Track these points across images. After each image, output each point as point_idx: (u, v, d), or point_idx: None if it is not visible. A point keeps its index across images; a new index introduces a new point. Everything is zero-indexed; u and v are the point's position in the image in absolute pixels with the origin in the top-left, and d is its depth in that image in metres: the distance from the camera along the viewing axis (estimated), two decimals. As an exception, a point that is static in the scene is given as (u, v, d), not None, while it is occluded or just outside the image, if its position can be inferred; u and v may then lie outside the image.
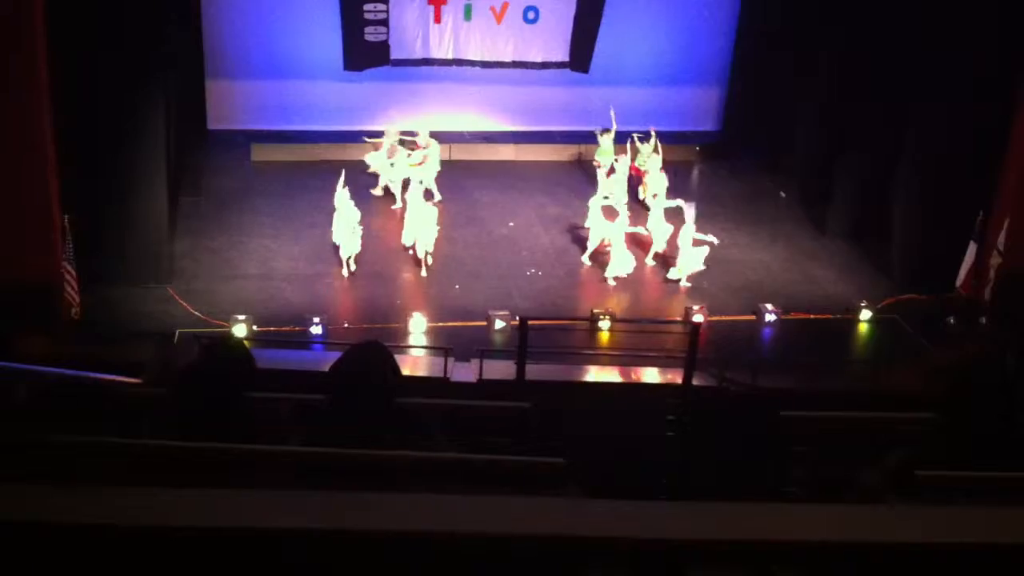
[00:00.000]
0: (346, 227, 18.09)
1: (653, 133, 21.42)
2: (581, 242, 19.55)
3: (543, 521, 2.72)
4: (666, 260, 18.88)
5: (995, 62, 17.43)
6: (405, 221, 18.80)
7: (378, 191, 20.76)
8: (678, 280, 18.55)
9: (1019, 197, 17.23)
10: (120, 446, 4.87)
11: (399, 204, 20.25)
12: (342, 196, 18.44)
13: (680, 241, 18.46)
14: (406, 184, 20.09)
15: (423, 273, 18.35)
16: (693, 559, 2.85)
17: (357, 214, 18.20)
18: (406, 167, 20.53)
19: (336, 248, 18.34)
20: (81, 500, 2.76)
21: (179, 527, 2.67)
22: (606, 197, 19.69)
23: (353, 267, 18.17)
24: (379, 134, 21.32)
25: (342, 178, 18.72)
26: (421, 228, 18.31)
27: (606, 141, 21.40)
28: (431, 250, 18.39)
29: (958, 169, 18.26)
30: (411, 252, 18.63)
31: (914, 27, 18.46)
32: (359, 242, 18.16)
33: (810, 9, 21.15)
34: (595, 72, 23.67)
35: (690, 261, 18.43)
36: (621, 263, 18.44)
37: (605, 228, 18.70)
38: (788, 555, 2.81)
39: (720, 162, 23.72)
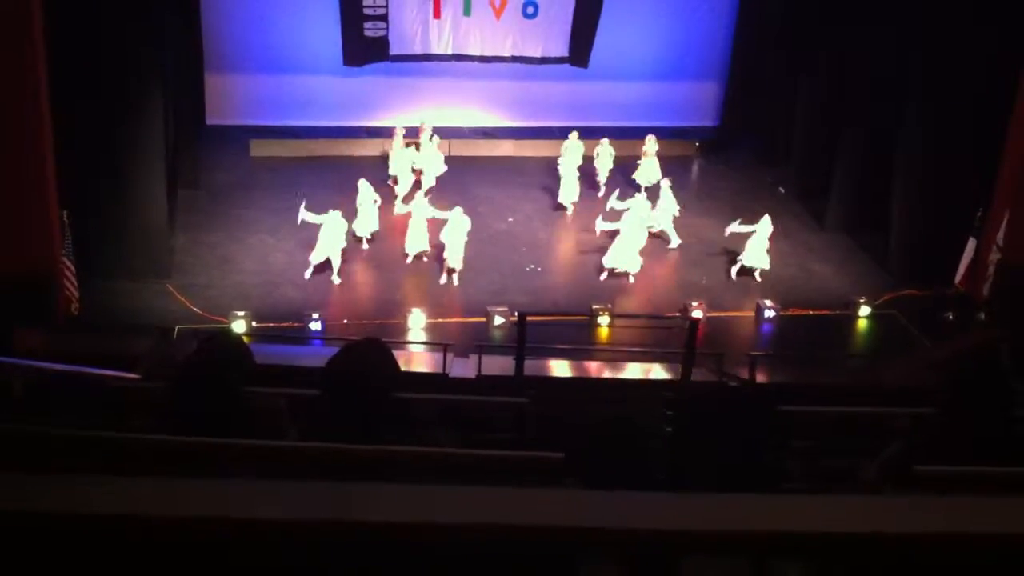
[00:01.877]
0: (342, 233, 18.04)
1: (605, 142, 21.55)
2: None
3: (538, 512, 2.71)
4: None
5: (993, 58, 17.42)
6: (409, 229, 18.57)
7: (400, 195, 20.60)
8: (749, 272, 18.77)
9: (1017, 193, 17.22)
10: (117, 441, 4.87)
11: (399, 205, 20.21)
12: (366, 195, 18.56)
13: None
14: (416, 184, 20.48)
15: (443, 281, 18.26)
16: (689, 550, 2.85)
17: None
18: (435, 159, 20.70)
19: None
20: (76, 490, 2.76)
21: (174, 517, 2.67)
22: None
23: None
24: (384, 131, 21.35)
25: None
26: (450, 238, 18.11)
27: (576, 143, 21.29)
28: (459, 265, 18.21)
29: (957, 165, 18.27)
30: (419, 258, 18.60)
31: (913, 23, 18.45)
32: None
33: (808, 5, 21.14)
34: (594, 67, 23.66)
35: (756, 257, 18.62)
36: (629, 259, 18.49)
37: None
38: (784, 546, 2.81)
39: (719, 157, 23.75)
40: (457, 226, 18.06)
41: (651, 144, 21.45)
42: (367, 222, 18.76)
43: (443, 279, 18.24)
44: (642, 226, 18.57)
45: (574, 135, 21.16)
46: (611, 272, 18.49)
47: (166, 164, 17.90)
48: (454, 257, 18.12)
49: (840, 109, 20.39)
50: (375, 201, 18.78)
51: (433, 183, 20.76)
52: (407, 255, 18.57)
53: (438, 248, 18.43)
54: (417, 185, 20.67)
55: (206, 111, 22.95)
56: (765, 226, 18.54)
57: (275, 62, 22.86)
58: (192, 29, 21.49)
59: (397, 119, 22.08)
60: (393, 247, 18.92)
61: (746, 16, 23.52)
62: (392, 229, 19.26)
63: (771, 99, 22.84)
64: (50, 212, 15.29)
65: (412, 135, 21.42)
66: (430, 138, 21.13)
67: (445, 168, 20.99)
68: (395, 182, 20.66)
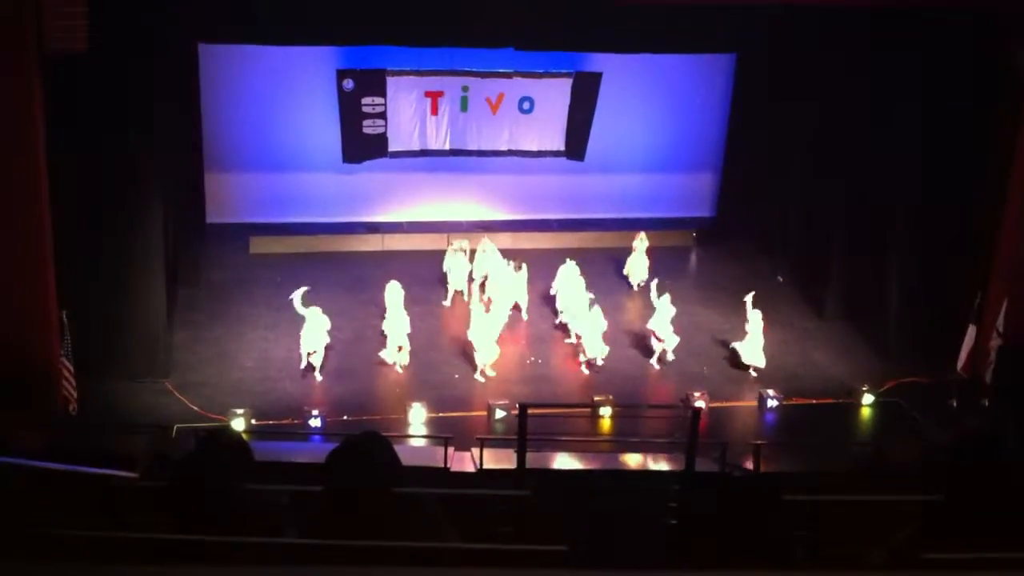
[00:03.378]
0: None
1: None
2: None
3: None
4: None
5: (986, 145, 17.62)
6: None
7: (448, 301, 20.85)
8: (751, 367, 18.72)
9: (1015, 279, 17.29)
10: (116, 540, 4.81)
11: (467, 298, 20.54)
12: (396, 300, 18.45)
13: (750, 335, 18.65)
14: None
15: (480, 378, 18.19)
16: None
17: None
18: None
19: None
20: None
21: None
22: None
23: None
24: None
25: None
26: (482, 339, 18.13)
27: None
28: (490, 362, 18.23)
29: (953, 251, 18.36)
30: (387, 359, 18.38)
31: (908, 110, 18.65)
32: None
33: (798, 97, 21.37)
34: (591, 160, 23.90)
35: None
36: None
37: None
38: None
39: (717, 246, 23.84)
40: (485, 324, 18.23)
41: (641, 242, 21.64)
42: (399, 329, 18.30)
43: (478, 376, 18.21)
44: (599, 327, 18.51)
45: (524, 268, 20.33)
46: (591, 364, 18.53)
47: (165, 264, 17.96)
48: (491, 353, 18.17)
49: (836, 197, 20.52)
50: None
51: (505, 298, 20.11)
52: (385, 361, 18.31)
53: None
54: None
55: (206, 210, 23.11)
56: (756, 322, 18.59)
57: (274, 160, 23.09)
58: (192, 127, 21.73)
59: (399, 214, 22.30)
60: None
61: (739, 107, 23.81)
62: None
63: (767, 188, 23.00)
64: (49, 312, 15.31)
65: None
66: (485, 248, 21.24)
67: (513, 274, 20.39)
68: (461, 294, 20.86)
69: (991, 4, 16.71)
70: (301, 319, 17.88)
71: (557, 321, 19.82)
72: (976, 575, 4.08)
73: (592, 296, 19.14)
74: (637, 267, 21.62)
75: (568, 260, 20.43)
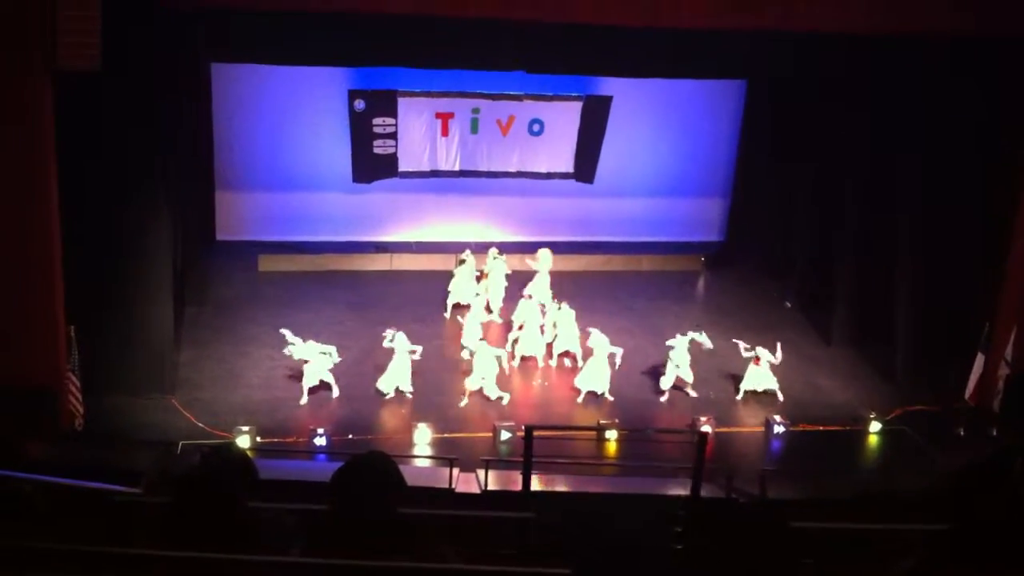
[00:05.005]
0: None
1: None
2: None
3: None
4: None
5: (994, 169, 17.61)
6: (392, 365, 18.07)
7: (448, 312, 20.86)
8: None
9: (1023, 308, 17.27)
10: (120, 555, 4.81)
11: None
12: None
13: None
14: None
15: (504, 401, 18.02)
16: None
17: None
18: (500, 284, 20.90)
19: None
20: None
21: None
22: None
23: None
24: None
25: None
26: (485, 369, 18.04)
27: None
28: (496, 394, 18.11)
29: (961, 279, 18.34)
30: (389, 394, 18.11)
31: (913, 133, 18.64)
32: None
33: (809, 122, 21.41)
34: (600, 183, 23.95)
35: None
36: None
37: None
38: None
39: (725, 271, 23.85)
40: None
41: (545, 258, 21.28)
42: (399, 376, 18.05)
43: (505, 399, 18.12)
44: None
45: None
46: (589, 393, 18.36)
47: (173, 279, 18.00)
48: (491, 386, 18.09)
49: (842, 223, 20.51)
50: (412, 352, 18.05)
51: (499, 313, 20.67)
52: (383, 393, 18.07)
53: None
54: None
55: (216, 226, 23.19)
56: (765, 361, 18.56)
57: (285, 179, 23.18)
58: (203, 145, 21.83)
59: (408, 234, 22.33)
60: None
61: (749, 132, 23.87)
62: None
63: (776, 214, 23.03)
64: (57, 327, 15.35)
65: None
66: (495, 257, 21.27)
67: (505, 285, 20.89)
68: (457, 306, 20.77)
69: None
70: (318, 335, 17.91)
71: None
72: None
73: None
74: (542, 286, 20.91)
75: (564, 304, 19.74)
